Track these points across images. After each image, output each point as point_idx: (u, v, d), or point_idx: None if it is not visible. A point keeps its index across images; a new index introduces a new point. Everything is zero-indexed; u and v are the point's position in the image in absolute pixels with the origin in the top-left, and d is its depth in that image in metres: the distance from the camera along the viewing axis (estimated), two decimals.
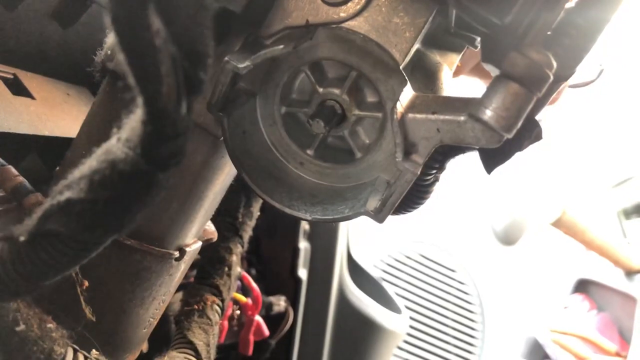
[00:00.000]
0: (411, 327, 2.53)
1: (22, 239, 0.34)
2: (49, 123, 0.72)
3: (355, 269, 1.57)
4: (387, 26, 0.47)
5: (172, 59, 0.29)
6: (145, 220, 0.56)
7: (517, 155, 0.50)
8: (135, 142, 0.31)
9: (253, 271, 1.35)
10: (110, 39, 0.55)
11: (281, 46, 0.47)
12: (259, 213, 1.01)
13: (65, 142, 0.61)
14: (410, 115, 0.46)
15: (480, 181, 2.64)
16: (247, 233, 0.96)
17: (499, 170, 0.52)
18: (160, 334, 0.72)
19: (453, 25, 0.51)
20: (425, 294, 2.63)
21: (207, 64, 0.31)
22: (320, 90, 0.51)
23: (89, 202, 0.32)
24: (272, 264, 1.43)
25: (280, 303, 1.33)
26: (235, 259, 0.89)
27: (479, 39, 0.54)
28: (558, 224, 2.25)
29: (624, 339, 2.29)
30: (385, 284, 1.70)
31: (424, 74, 0.53)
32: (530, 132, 0.48)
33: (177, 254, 0.61)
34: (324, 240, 1.47)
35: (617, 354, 2.21)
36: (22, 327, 0.43)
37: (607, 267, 2.44)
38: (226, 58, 0.46)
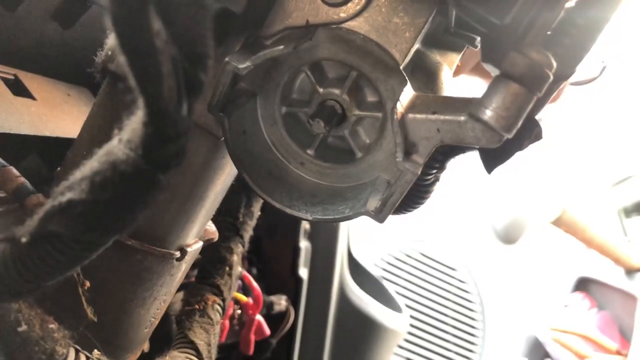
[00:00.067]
0: (412, 325, 2.53)
1: (23, 240, 0.34)
2: (50, 123, 0.72)
3: (356, 268, 1.57)
4: (387, 26, 0.47)
5: (172, 60, 0.29)
6: (146, 221, 0.56)
7: (517, 155, 0.50)
8: (136, 143, 0.31)
9: (254, 271, 1.36)
10: (111, 39, 0.55)
11: (281, 46, 0.47)
12: (259, 213, 1.01)
13: (66, 142, 0.61)
14: (411, 115, 0.46)
15: (481, 180, 2.64)
16: (248, 233, 0.96)
17: (499, 169, 0.52)
18: (161, 334, 0.73)
19: (453, 25, 0.51)
20: (425, 293, 2.63)
21: (207, 64, 0.31)
22: (321, 90, 0.51)
23: (90, 203, 0.32)
24: (272, 264, 1.43)
25: (281, 302, 1.33)
26: (236, 258, 0.89)
27: (479, 38, 0.54)
28: (558, 222, 2.25)
29: (625, 337, 2.29)
30: (385, 283, 1.70)
31: (424, 74, 0.53)
32: (530, 132, 0.48)
33: (178, 254, 0.61)
34: (325, 240, 1.47)
35: (618, 353, 2.21)
36: (24, 327, 0.44)
37: (607, 266, 2.43)
38: (226, 59, 0.47)
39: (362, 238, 2.29)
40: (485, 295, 2.71)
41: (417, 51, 0.51)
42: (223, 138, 0.52)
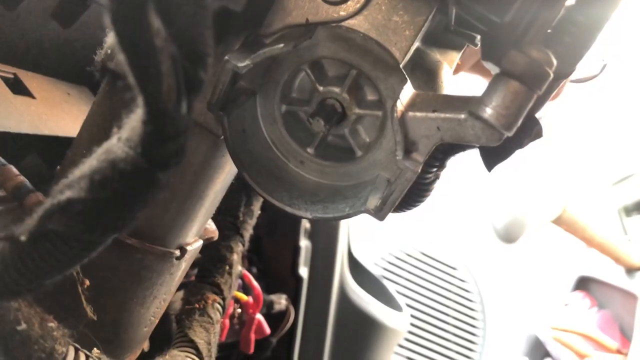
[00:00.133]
0: (412, 324, 2.53)
1: (22, 238, 0.34)
2: (50, 122, 0.72)
3: (356, 267, 1.57)
4: (386, 24, 0.47)
5: (172, 58, 0.29)
6: (146, 220, 0.56)
7: (518, 153, 0.50)
8: (135, 142, 0.31)
9: (254, 270, 1.36)
10: (111, 38, 0.55)
11: (281, 45, 0.47)
12: (259, 212, 1.01)
13: (66, 141, 0.61)
14: (411, 113, 0.46)
15: (481, 179, 2.64)
16: (248, 232, 0.96)
17: (500, 168, 0.52)
18: (161, 333, 0.73)
19: (453, 23, 0.51)
20: (426, 292, 2.63)
21: (207, 63, 0.31)
22: (321, 88, 0.51)
23: (90, 201, 0.32)
24: (273, 263, 1.43)
25: (281, 301, 1.33)
26: (236, 257, 0.89)
27: (479, 37, 0.54)
28: (559, 221, 2.25)
29: (625, 336, 2.29)
30: (386, 282, 1.70)
31: (424, 72, 0.53)
32: (530, 130, 0.48)
33: (178, 252, 0.61)
34: (325, 239, 1.47)
35: (618, 351, 2.21)
36: (23, 326, 0.44)
37: (607, 265, 2.43)
38: (226, 57, 0.46)
39: (362, 237, 2.29)
40: (485, 294, 2.71)
41: (417, 50, 0.50)
42: (223, 137, 0.52)
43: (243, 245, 0.94)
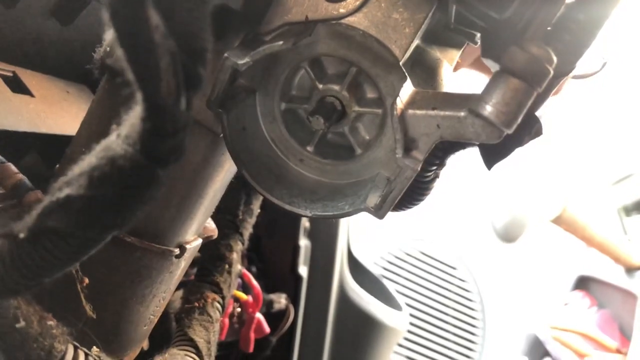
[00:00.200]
0: (412, 324, 2.53)
1: (21, 236, 0.34)
2: (49, 121, 0.72)
3: (356, 266, 1.57)
4: (386, 22, 0.47)
5: (171, 54, 0.29)
6: (145, 218, 0.56)
7: (517, 152, 0.50)
8: (134, 139, 0.31)
9: (253, 269, 1.35)
10: (109, 35, 0.55)
11: (280, 42, 0.47)
12: (259, 210, 1.01)
13: (65, 140, 0.61)
14: (410, 111, 0.46)
15: (481, 178, 2.64)
16: (248, 230, 0.96)
17: (499, 166, 0.52)
18: (160, 332, 0.73)
19: (453, 20, 0.50)
20: (425, 291, 2.63)
21: (206, 59, 0.31)
22: (320, 86, 0.51)
23: (88, 198, 0.32)
24: (272, 262, 1.43)
25: (280, 300, 1.33)
26: (235, 256, 0.89)
27: (479, 35, 0.54)
28: (558, 220, 2.25)
29: (625, 335, 2.29)
30: (385, 281, 1.70)
31: (424, 70, 0.53)
32: (530, 128, 0.48)
33: (177, 251, 0.60)
34: (325, 238, 1.47)
35: (618, 351, 2.21)
36: (22, 324, 0.43)
37: (607, 264, 2.44)
38: (225, 54, 0.46)
39: (362, 236, 2.29)
40: (485, 293, 2.71)
41: (417, 47, 0.50)
42: (222, 134, 0.52)
43: (242, 244, 0.93)
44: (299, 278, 1.40)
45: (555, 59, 0.40)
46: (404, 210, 0.57)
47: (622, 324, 2.35)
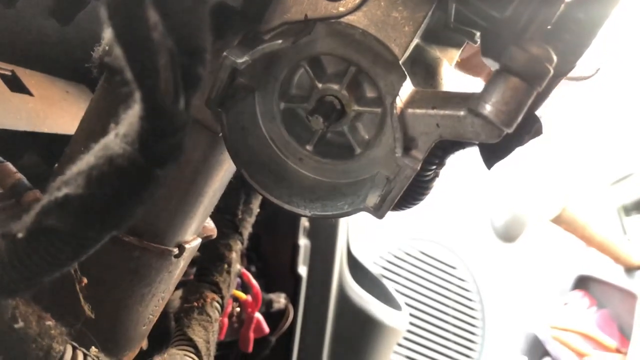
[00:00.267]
0: (411, 324, 2.53)
1: (20, 235, 0.34)
2: (48, 120, 0.72)
3: (355, 266, 1.57)
4: (386, 20, 0.47)
5: (169, 53, 0.29)
6: (144, 217, 0.56)
7: (517, 151, 0.50)
8: (133, 138, 0.31)
9: (253, 268, 1.35)
10: (107, 34, 0.55)
11: (280, 41, 0.47)
12: (258, 210, 1.01)
13: (64, 139, 0.61)
14: (410, 110, 0.46)
15: (480, 177, 2.64)
16: (247, 230, 0.96)
17: (499, 165, 0.52)
18: (159, 331, 0.72)
19: (452, 19, 0.50)
20: (425, 291, 2.63)
21: (205, 58, 0.31)
22: (319, 85, 0.50)
23: (87, 198, 0.31)
24: (272, 261, 1.43)
25: (280, 300, 1.33)
26: (234, 256, 0.88)
27: (478, 34, 0.54)
28: (558, 220, 2.25)
29: (624, 335, 2.29)
30: (385, 281, 1.70)
31: (424, 69, 0.52)
32: (530, 127, 0.48)
33: (176, 250, 0.60)
34: (324, 237, 1.47)
35: (617, 350, 2.21)
36: (20, 324, 0.43)
37: (607, 264, 2.44)
38: (225, 53, 0.46)
39: (361, 236, 2.29)
40: (484, 293, 2.71)
41: (416, 46, 0.50)
42: (221, 134, 0.52)
43: (242, 243, 0.93)
44: (298, 278, 1.40)
45: (555, 58, 0.40)
46: (403, 209, 0.57)
47: (622, 323, 2.35)
